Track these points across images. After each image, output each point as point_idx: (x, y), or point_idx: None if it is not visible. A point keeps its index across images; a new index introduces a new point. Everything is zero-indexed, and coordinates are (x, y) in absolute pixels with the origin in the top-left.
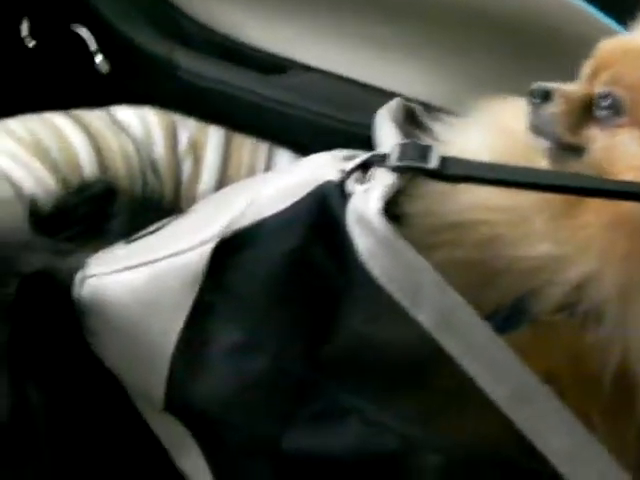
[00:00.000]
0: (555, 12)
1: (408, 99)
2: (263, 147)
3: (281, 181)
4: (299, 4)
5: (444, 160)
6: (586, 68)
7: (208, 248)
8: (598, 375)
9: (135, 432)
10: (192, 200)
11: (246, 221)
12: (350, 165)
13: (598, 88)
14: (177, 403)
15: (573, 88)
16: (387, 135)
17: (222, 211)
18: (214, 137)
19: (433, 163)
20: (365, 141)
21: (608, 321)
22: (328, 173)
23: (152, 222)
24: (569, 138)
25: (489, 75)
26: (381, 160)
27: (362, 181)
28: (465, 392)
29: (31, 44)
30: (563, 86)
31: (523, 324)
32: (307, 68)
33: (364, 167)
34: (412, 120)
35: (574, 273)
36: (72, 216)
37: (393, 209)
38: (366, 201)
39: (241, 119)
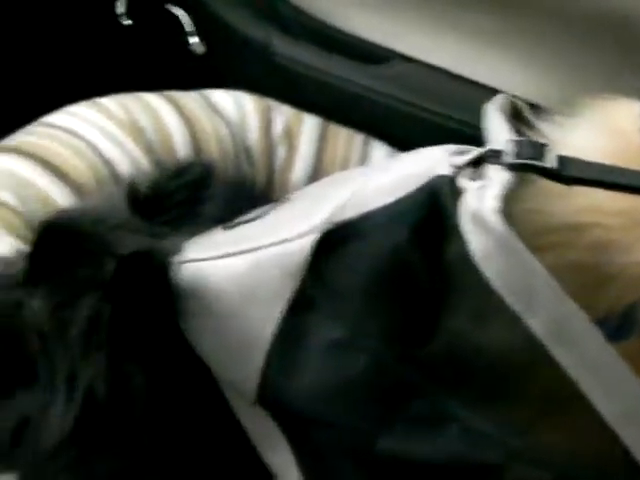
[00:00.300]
0: None
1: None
2: (358, 139)
3: (389, 173)
4: None
5: (562, 160)
6: None
7: (310, 239)
8: None
9: (224, 422)
10: (284, 188)
11: (351, 213)
12: (462, 160)
13: None
14: (270, 397)
15: None
16: (498, 131)
17: (321, 202)
18: (309, 126)
19: (551, 163)
20: (461, 137)
21: None
22: (440, 167)
23: (246, 208)
24: None
25: (592, 74)
26: (495, 157)
27: (474, 177)
28: (570, 403)
29: (127, 23)
30: None
31: (633, 334)
32: (406, 59)
33: (475, 163)
34: (518, 117)
35: None
36: (169, 201)
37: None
38: (481, 199)
39: (336, 108)
